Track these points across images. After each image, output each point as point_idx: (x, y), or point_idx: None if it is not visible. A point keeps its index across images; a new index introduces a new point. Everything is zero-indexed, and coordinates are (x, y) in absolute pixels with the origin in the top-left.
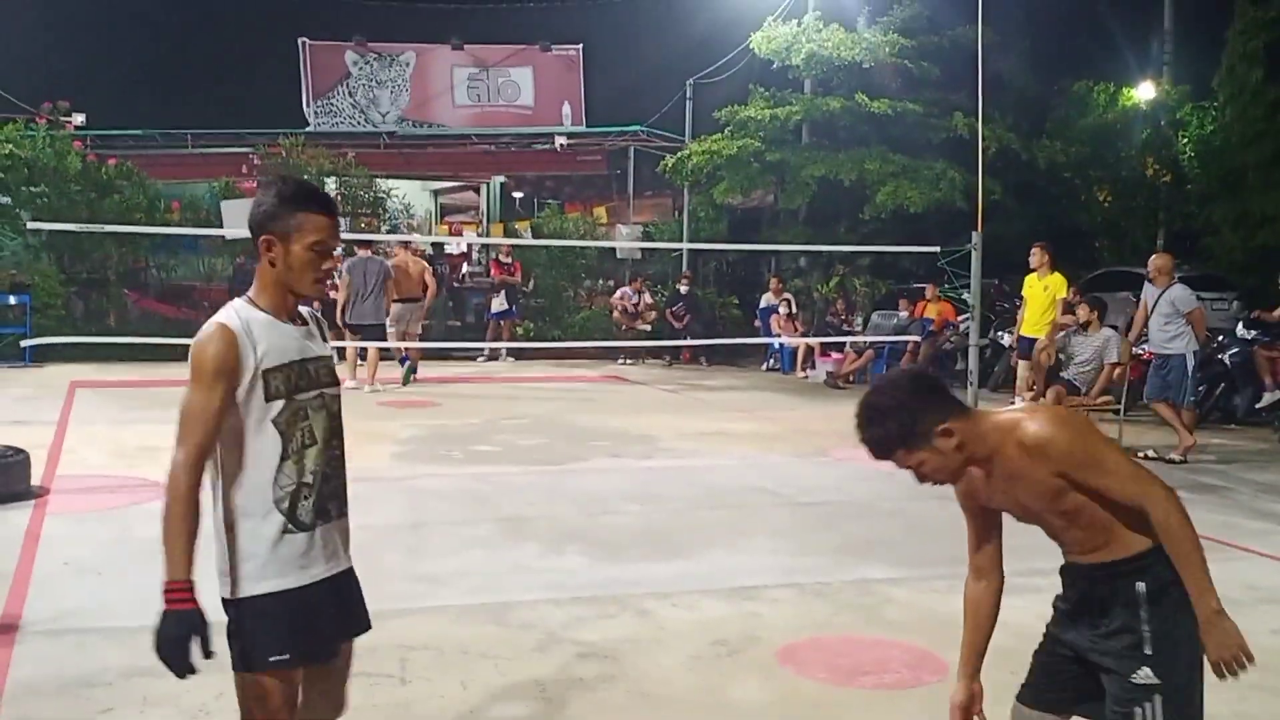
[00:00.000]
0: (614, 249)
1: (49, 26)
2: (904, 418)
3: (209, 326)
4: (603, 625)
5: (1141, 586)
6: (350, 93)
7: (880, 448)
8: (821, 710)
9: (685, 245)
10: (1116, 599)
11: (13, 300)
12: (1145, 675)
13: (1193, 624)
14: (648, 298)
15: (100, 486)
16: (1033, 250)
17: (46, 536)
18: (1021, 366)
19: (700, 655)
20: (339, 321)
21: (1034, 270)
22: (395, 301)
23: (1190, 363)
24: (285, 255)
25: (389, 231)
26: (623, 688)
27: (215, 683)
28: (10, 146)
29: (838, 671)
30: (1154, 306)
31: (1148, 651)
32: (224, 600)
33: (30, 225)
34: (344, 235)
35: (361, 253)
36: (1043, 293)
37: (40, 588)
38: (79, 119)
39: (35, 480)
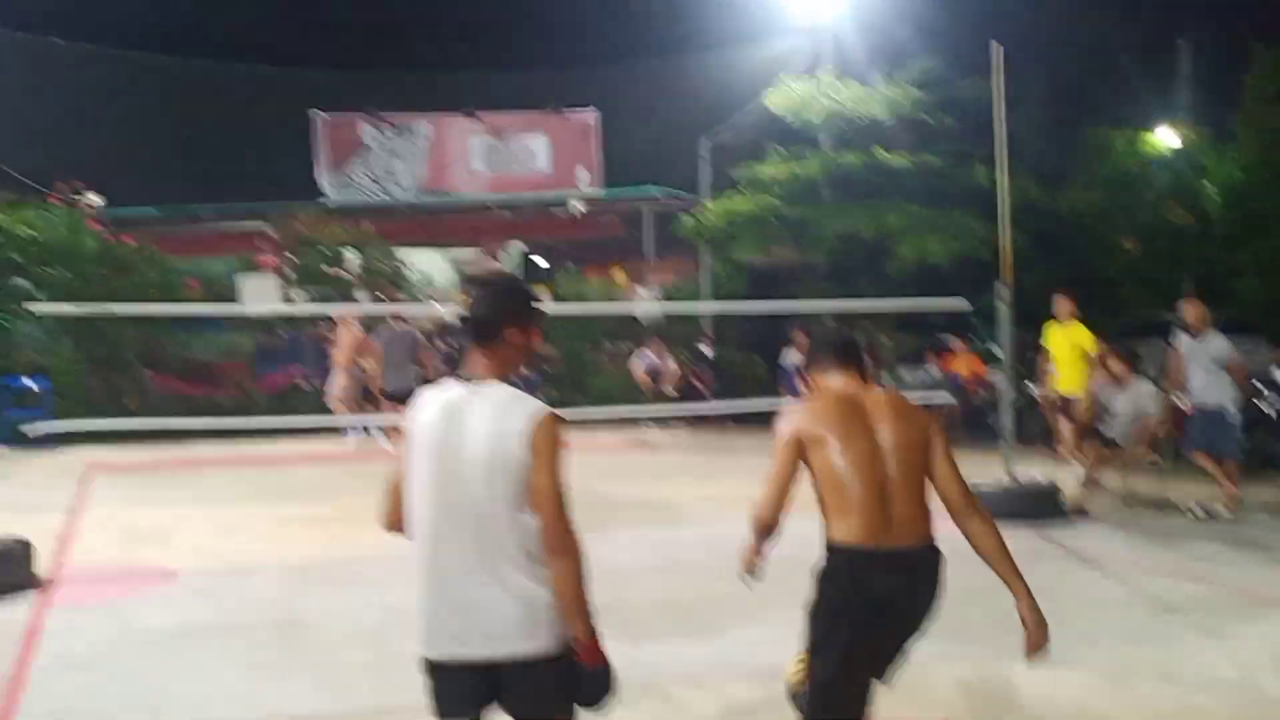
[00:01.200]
0: (634, 312)
1: (60, 105)
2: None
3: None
4: (625, 713)
5: None
6: (367, 165)
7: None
8: None
9: (706, 306)
10: None
11: (32, 384)
12: None
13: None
14: (671, 361)
15: (105, 576)
16: (1057, 298)
17: (47, 631)
18: (1064, 423)
19: None
20: (376, 390)
21: (1055, 318)
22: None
23: (1232, 413)
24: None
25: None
26: None
27: None
28: (27, 228)
29: None
30: (1191, 356)
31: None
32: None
33: (34, 308)
34: (366, 307)
35: (396, 325)
36: (1066, 343)
37: (37, 687)
38: (96, 199)
39: (40, 569)
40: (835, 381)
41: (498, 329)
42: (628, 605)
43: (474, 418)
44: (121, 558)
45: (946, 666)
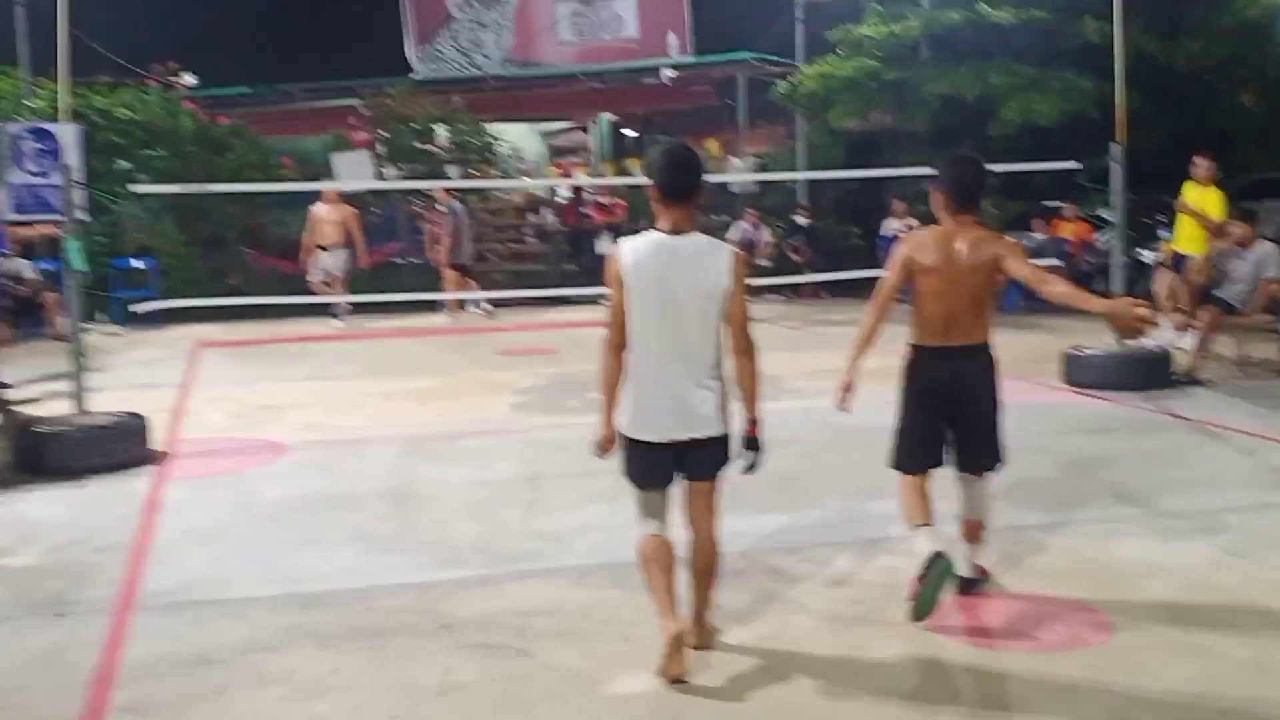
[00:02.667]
0: (728, 183)
1: None
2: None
3: None
4: (730, 584)
5: None
6: (454, 37)
7: None
8: (972, 676)
9: (801, 175)
10: None
11: (139, 264)
12: None
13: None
14: (765, 232)
15: (221, 450)
16: (1198, 160)
17: (166, 504)
18: (1165, 277)
19: (836, 615)
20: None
21: (1194, 180)
22: (321, 249)
23: None
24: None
25: (501, 176)
26: (753, 654)
27: (330, 658)
28: (126, 110)
29: (988, 633)
30: None
31: None
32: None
33: (135, 189)
34: (457, 183)
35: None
36: (1199, 204)
37: (158, 559)
38: (190, 80)
39: (157, 445)
40: (961, 218)
41: (694, 189)
42: (731, 477)
43: (687, 258)
44: (234, 432)
45: (1056, 538)
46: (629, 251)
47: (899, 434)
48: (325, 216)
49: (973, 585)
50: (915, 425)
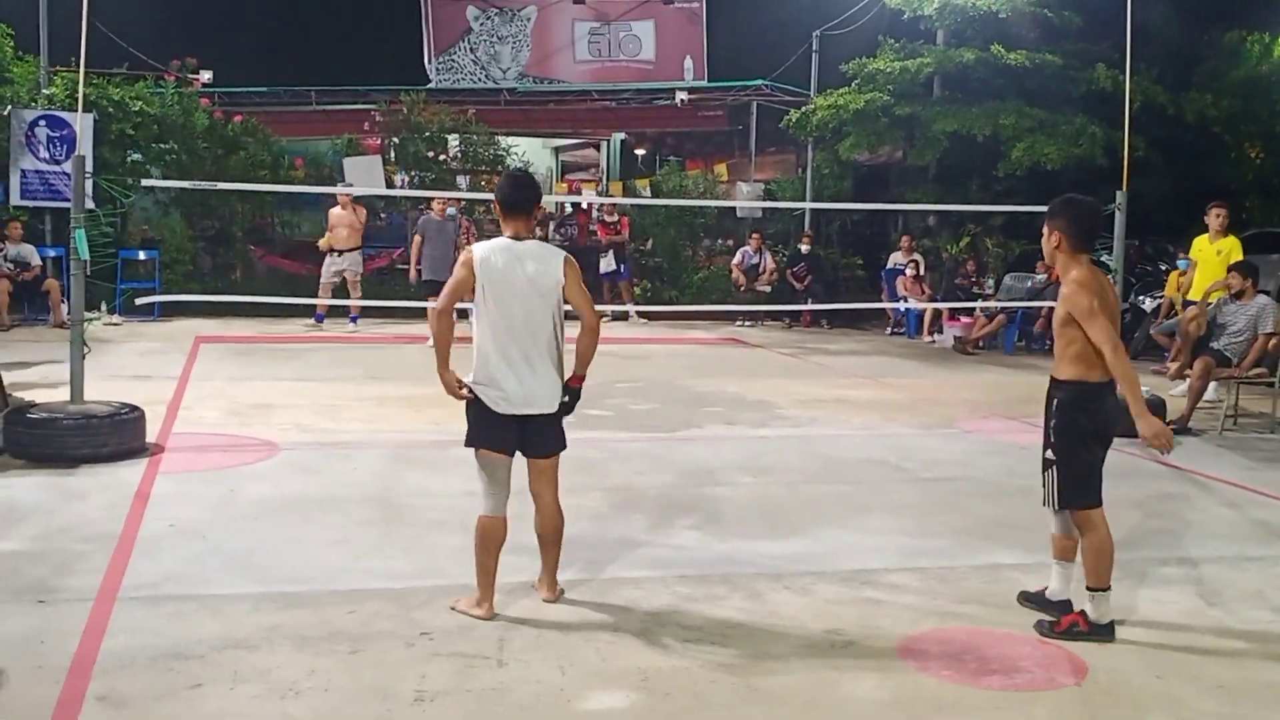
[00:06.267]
0: (734, 208)
1: None
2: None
3: None
4: (710, 608)
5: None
6: (471, 49)
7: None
8: (945, 713)
9: (808, 204)
10: (1049, 403)
11: (143, 256)
12: (1049, 454)
13: (1089, 423)
14: (768, 258)
15: (213, 446)
16: (1211, 211)
17: (155, 496)
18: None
19: (813, 645)
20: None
21: (1207, 232)
22: (335, 252)
23: None
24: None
25: None
26: (729, 679)
27: (306, 659)
28: (140, 103)
29: (963, 669)
30: None
31: (1051, 440)
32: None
33: (145, 183)
34: (466, 195)
35: (439, 213)
36: (1215, 257)
37: (143, 551)
38: (206, 76)
39: (151, 437)
40: (1080, 257)
41: (532, 205)
42: (717, 502)
43: (528, 260)
44: (227, 429)
45: (1035, 579)
46: (487, 251)
47: (1087, 467)
48: (339, 220)
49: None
50: (1096, 457)
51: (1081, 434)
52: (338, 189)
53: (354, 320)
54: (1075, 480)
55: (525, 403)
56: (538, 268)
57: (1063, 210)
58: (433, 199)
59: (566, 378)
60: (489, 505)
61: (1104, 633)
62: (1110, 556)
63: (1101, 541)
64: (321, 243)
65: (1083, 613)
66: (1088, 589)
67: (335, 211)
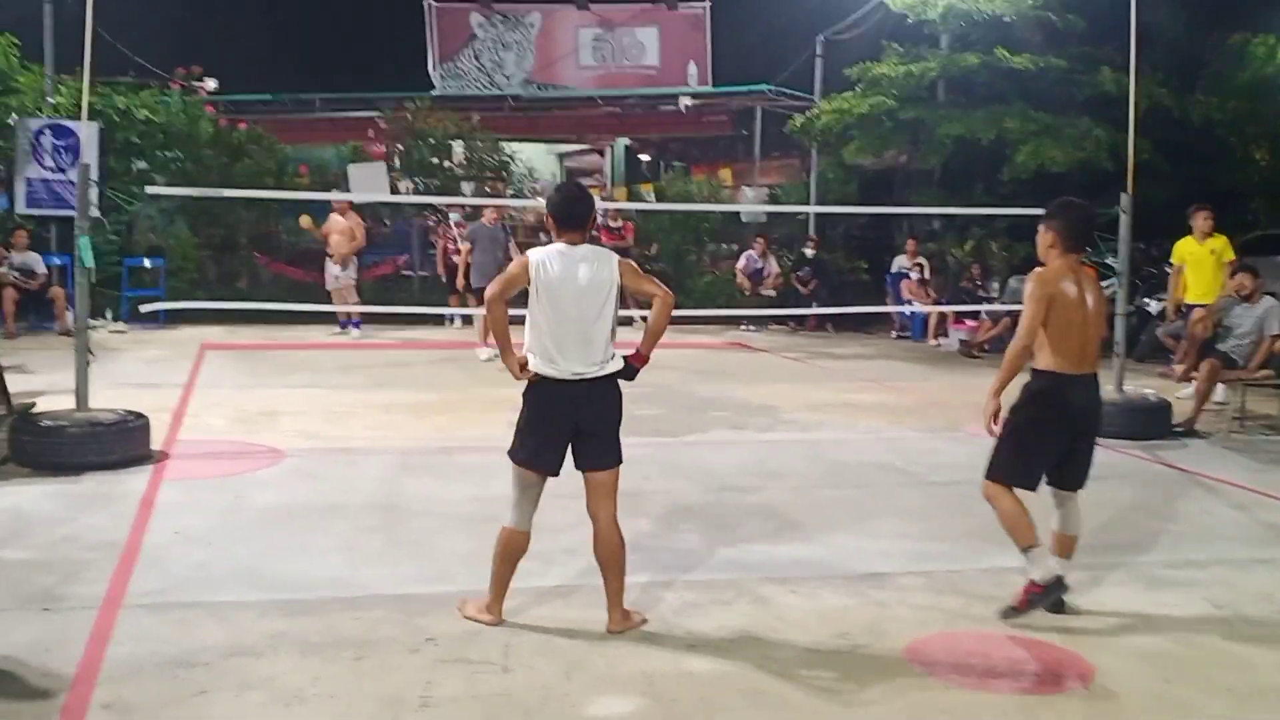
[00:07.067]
0: (738, 212)
1: None
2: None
3: None
4: (716, 613)
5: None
6: (476, 55)
7: None
8: (952, 718)
9: (813, 208)
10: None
11: (148, 263)
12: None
13: (1048, 409)
14: (773, 262)
15: (218, 453)
16: (1199, 214)
17: (161, 504)
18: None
19: (820, 649)
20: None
21: (1194, 234)
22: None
23: None
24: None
25: (514, 195)
26: (736, 685)
27: (312, 666)
28: (146, 112)
29: (970, 673)
30: None
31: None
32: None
33: (150, 191)
34: (469, 200)
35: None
36: (1209, 256)
37: (149, 558)
38: (211, 84)
39: (156, 445)
40: (1069, 257)
41: (587, 218)
42: (723, 506)
43: (583, 264)
44: (232, 436)
45: None
46: (545, 256)
47: (1021, 452)
48: (334, 226)
49: (1064, 605)
50: (1047, 445)
51: (1038, 418)
52: (338, 196)
53: (356, 326)
54: (1010, 456)
55: (583, 364)
56: (593, 270)
57: (1059, 213)
58: (483, 207)
59: (628, 355)
60: (515, 518)
61: (1056, 588)
62: (1021, 516)
63: (1007, 509)
64: (304, 220)
65: (1031, 581)
66: (1022, 553)
67: (333, 217)
